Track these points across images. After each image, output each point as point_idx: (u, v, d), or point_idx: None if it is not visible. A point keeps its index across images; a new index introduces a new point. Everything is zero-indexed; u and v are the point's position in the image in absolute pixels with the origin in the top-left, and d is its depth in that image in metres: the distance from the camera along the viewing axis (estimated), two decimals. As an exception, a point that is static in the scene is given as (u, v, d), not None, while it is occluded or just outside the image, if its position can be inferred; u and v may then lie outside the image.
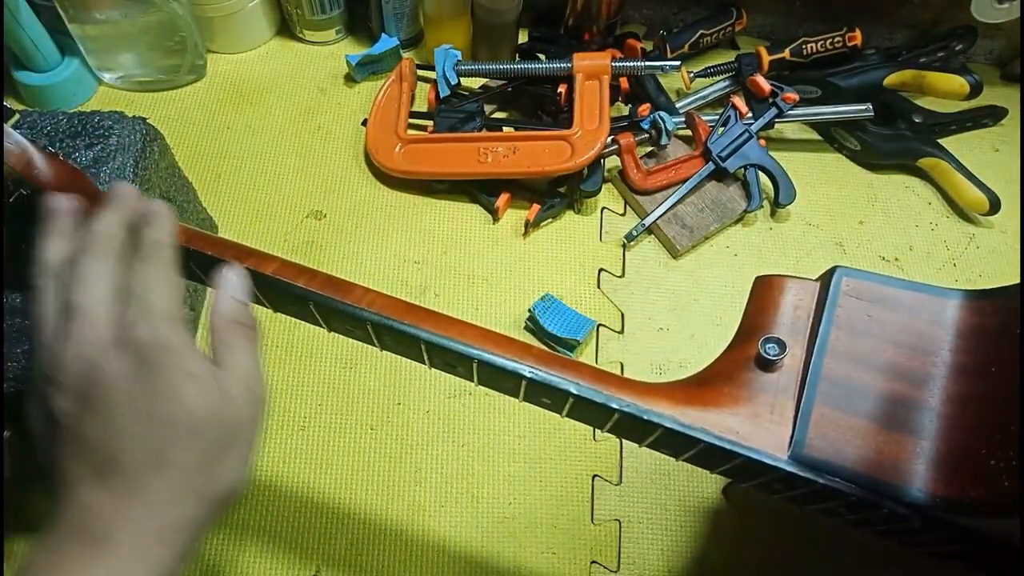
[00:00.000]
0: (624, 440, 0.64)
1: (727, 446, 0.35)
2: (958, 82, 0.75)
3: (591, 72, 0.75)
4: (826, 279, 0.40)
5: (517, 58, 0.85)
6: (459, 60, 0.79)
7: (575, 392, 0.36)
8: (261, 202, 0.74)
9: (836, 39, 0.82)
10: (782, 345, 0.38)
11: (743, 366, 0.39)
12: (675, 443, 0.37)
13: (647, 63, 0.76)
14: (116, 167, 0.51)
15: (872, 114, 0.77)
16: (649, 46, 0.85)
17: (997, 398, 0.35)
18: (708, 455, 0.37)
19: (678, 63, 0.76)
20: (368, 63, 0.82)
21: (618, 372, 0.66)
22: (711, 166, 0.75)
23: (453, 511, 0.60)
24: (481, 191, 0.74)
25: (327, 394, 0.64)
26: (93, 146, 0.52)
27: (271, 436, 0.62)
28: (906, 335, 0.38)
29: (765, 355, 0.38)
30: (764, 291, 0.42)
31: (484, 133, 0.75)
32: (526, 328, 0.68)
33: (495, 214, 0.74)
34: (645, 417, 0.36)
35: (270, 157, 0.77)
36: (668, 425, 0.36)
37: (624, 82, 0.80)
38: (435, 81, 0.79)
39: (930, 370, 0.37)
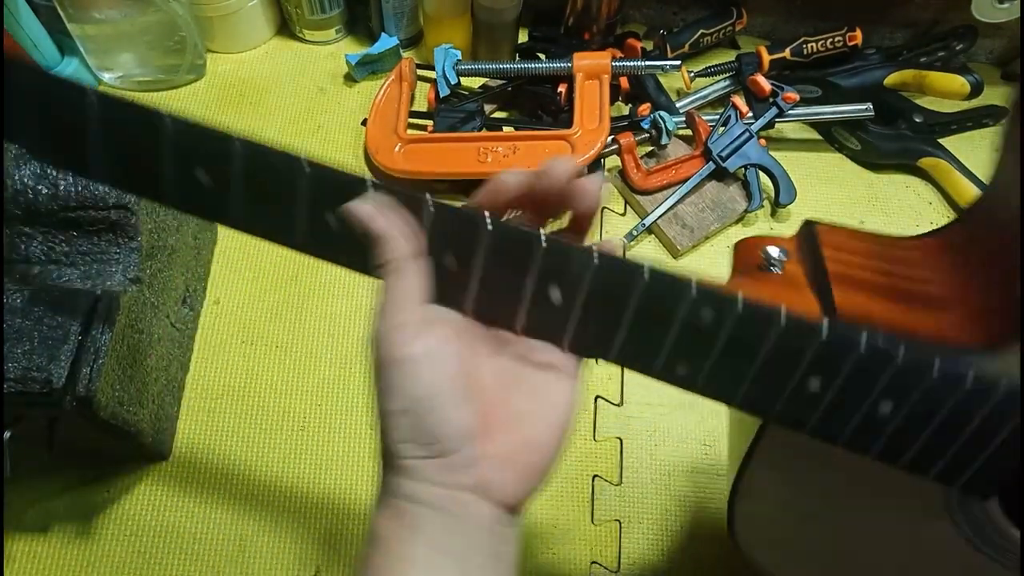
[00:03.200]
0: (623, 438, 0.63)
1: (769, 309, 0.30)
2: (959, 82, 0.75)
3: (591, 71, 0.75)
4: (801, 229, 0.42)
5: (517, 57, 0.85)
6: (459, 60, 0.79)
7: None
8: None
9: (836, 39, 0.82)
10: (784, 251, 0.38)
11: (752, 276, 0.39)
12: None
13: (647, 63, 0.76)
14: (116, 167, 0.51)
15: (872, 114, 0.77)
16: (649, 45, 0.84)
17: (995, 260, 0.35)
18: (746, 327, 0.31)
19: (678, 62, 0.76)
20: (368, 63, 0.82)
21: (618, 374, 0.66)
22: (711, 166, 0.75)
23: (453, 511, 0.60)
24: (481, 191, 0.74)
25: (326, 394, 0.64)
26: None
27: (270, 436, 0.62)
28: (888, 262, 0.39)
29: (769, 257, 0.38)
30: (746, 246, 0.43)
31: (484, 133, 0.75)
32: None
33: (495, 214, 0.74)
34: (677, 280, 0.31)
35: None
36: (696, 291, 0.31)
37: (624, 81, 0.80)
38: (435, 81, 0.79)
39: (920, 279, 0.38)
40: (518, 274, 0.32)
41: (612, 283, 0.32)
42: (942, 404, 0.32)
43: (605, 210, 0.76)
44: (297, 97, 0.82)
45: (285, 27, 0.86)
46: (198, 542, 0.58)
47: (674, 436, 0.64)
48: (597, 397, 0.65)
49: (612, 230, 0.75)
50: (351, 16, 0.86)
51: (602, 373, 0.66)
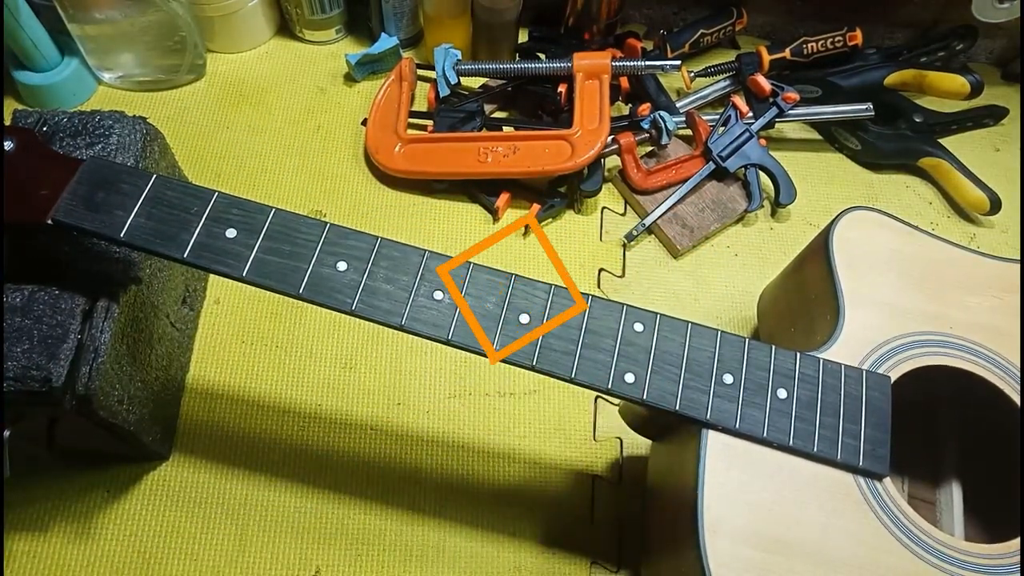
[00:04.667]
0: (623, 438, 0.63)
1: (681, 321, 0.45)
2: (959, 81, 0.75)
3: (591, 71, 0.75)
4: None
5: (517, 57, 0.85)
6: (459, 60, 0.79)
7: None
8: (261, 201, 0.74)
9: (837, 38, 0.82)
10: None
11: None
12: None
13: (647, 63, 0.76)
14: (116, 166, 0.51)
15: (872, 114, 0.77)
16: (649, 45, 0.84)
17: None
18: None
19: (678, 62, 0.76)
20: (367, 62, 0.82)
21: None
22: (711, 166, 0.75)
23: (453, 511, 0.60)
24: (481, 191, 0.74)
25: (327, 394, 0.64)
26: (94, 145, 0.51)
27: (269, 436, 0.62)
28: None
29: None
30: None
31: (484, 133, 0.75)
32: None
33: (495, 214, 0.74)
34: None
35: (270, 156, 0.77)
36: None
37: (624, 81, 0.80)
38: (435, 81, 0.79)
39: None
40: None
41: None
42: (815, 385, 0.45)
43: (605, 210, 0.76)
44: (297, 97, 0.82)
45: (285, 27, 0.86)
46: (198, 542, 0.58)
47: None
48: (597, 397, 0.65)
49: (612, 230, 0.75)
50: (351, 16, 0.86)
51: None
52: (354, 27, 0.87)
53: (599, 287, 0.71)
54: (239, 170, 0.76)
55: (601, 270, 0.72)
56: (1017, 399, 0.48)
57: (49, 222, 0.43)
